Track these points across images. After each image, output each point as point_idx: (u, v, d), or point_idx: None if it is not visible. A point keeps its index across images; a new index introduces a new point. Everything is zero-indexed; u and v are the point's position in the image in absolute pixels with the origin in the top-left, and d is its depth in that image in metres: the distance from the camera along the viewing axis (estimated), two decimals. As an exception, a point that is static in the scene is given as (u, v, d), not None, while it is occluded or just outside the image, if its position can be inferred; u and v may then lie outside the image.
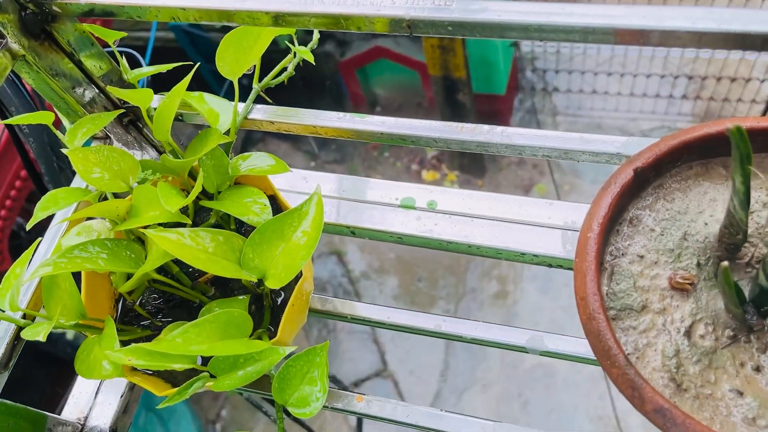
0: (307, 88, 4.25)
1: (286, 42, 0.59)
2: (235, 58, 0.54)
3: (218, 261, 0.45)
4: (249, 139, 3.15)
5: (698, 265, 0.39)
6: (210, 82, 3.64)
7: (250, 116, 0.58)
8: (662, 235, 0.40)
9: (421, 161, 4.21)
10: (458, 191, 0.61)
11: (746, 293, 0.38)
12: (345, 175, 0.63)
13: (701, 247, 0.39)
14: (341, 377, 2.40)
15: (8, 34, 0.47)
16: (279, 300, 0.53)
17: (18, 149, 0.68)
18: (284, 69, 0.59)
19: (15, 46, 0.47)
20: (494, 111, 3.96)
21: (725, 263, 0.32)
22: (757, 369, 0.36)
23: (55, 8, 0.47)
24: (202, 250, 0.45)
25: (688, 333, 0.38)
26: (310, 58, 0.58)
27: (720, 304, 0.38)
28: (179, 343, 0.41)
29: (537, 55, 3.91)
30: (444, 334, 0.55)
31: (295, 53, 0.58)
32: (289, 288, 0.51)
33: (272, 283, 0.45)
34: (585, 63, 3.57)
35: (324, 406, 0.49)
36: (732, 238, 0.37)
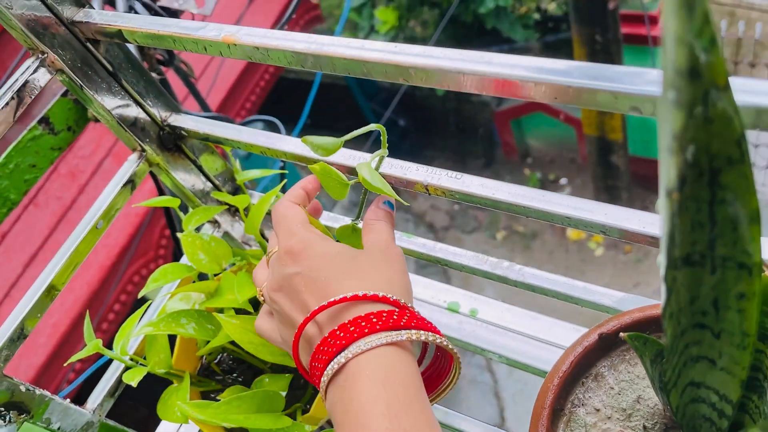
0: (459, 133, 4.38)
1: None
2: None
3: (268, 347, 0.57)
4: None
5: (644, 428, 0.44)
6: (369, 117, 3.87)
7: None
8: (619, 394, 0.46)
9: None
10: (499, 303, 0.68)
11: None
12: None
13: (650, 411, 0.45)
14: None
15: (147, 148, 0.62)
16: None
17: (168, 225, 0.85)
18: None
19: (152, 156, 0.63)
20: (651, 176, 3.84)
21: (633, 440, 0.38)
22: None
23: (183, 132, 0.62)
24: (256, 337, 0.57)
25: (622, 487, 0.43)
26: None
27: (656, 467, 0.43)
28: (221, 410, 0.53)
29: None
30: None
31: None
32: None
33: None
34: (758, 137, 3.38)
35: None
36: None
